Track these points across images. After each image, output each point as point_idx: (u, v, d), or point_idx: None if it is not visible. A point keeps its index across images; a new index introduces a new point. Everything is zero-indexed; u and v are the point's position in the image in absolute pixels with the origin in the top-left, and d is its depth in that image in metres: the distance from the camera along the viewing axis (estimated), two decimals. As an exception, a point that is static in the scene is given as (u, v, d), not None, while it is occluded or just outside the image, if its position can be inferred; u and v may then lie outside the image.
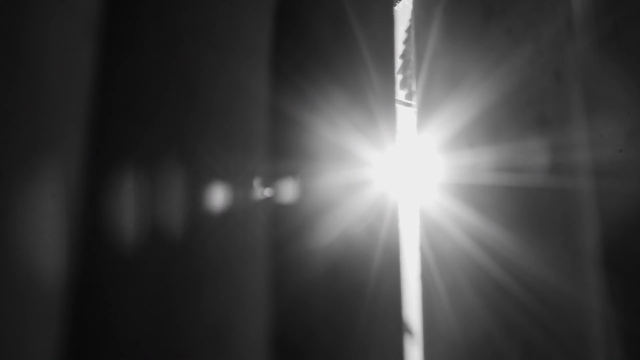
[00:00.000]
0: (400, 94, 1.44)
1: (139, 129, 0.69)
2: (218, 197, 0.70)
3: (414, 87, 0.98)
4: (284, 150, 0.82)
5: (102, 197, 0.67)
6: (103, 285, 0.64)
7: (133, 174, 0.68)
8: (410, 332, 0.87)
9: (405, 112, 1.01)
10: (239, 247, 0.70)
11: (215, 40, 0.72)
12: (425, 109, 0.94)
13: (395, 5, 0.96)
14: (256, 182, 0.75)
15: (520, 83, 0.86)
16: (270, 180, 0.80)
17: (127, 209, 0.67)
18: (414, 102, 0.97)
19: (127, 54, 0.71)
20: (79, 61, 0.65)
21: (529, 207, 0.81)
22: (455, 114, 0.89)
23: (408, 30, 1.65)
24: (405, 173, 0.89)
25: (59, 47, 0.62)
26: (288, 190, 0.81)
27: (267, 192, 0.78)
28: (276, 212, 0.80)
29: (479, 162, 0.83)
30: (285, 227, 0.80)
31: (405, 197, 0.87)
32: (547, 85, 0.87)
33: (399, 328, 0.81)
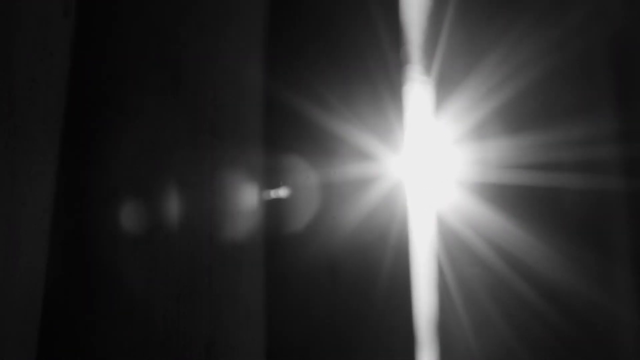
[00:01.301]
0: (416, 71, 1.37)
1: (120, 123, 0.65)
2: (209, 196, 0.66)
3: (429, 68, 0.91)
4: (281, 145, 0.76)
5: (83, 196, 0.64)
6: (85, 292, 0.62)
7: (115, 173, 0.64)
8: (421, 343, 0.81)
9: (420, 96, 0.94)
10: (233, 250, 0.67)
11: (204, 22, 0.68)
12: (441, 94, 0.88)
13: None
14: (251, 180, 0.71)
15: (546, 67, 0.80)
16: (266, 177, 0.75)
17: (111, 209, 0.64)
18: (430, 83, 0.90)
19: (107, 39, 0.66)
20: (54, 47, 0.62)
21: (556, 209, 0.74)
22: (474, 101, 0.83)
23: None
24: (418, 169, 0.82)
25: (32, 30, 0.60)
26: (285, 188, 0.75)
27: (263, 191, 0.73)
28: (273, 211, 0.75)
29: (499, 157, 0.77)
30: (282, 227, 0.75)
31: (418, 197, 0.81)
32: (577, 71, 0.80)
33: (409, 337, 0.76)
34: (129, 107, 0.65)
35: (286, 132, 0.76)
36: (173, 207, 0.64)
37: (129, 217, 0.64)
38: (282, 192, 0.75)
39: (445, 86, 0.88)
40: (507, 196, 0.78)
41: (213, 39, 0.69)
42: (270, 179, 0.76)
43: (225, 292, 0.65)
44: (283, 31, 0.78)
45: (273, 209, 0.75)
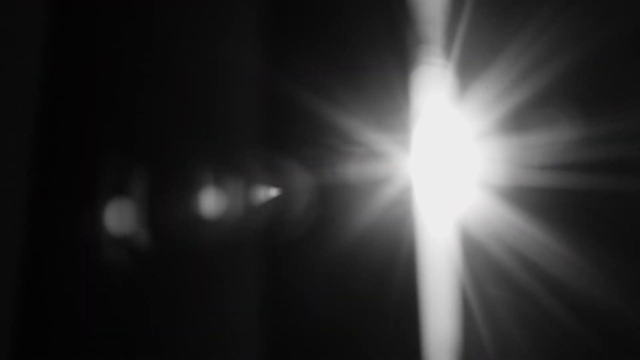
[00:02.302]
0: (434, 54, 1.31)
1: (102, 120, 0.62)
2: (204, 197, 0.65)
3: (449, 50, 0.85)
4: (281, 142, 0.70)
5: (63, 197, 0.62)
6: (68, 297, 0.61)
7: (99, 173, 0.62)
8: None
9: (439, 83, 0.88)
10: (230, 253, 0.65)
11: (196, 7, 0.65)
12: (464, 81, 0.81)
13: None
14: (249, 180, 0.68)
15: (587, 50, 0.71)
16: (265, 176, 0.70)
17: (93, 210, 0.62)
18: (450, 67, 0.84)
19: (87, 26, 0.63)
20: (28, 32, 0.60)
21: (598, 216, 0.67)
22: (502, 89, 0.75)
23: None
24: (435, 168, 0.76)
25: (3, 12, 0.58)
26: (283, 186, 0.70)
27: (260, 190, 0.69)
28: (272, 212, 0.71)
29: (532, 156, 0.70)
30: (282, 230, 0.70)
31: (435, 201, 0.74)
32: (621, 54, 0.72)
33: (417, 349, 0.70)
34: (110, 102, 0.63)
35: (286, 127, 0.71)
36: (163, 209, 0.63)
37: (113, 219, 0.62)
38: (281, 192, 0.71)
39: (468, 71, 0.81)
40: (539, 201, 0.70)
41: (204, 23, 0.66)
42: (270, 179, 0.71)
43: (222, 297, 0.63)
44: (282, 15, 0.72)
45: (273, 210, 0.71)
